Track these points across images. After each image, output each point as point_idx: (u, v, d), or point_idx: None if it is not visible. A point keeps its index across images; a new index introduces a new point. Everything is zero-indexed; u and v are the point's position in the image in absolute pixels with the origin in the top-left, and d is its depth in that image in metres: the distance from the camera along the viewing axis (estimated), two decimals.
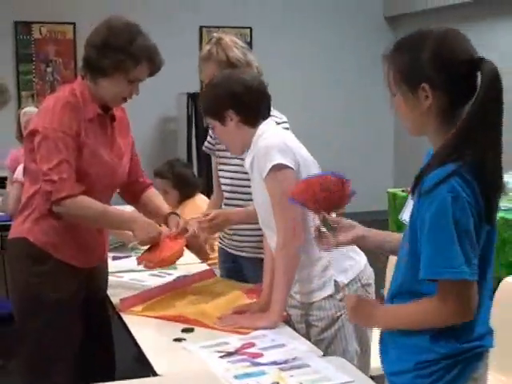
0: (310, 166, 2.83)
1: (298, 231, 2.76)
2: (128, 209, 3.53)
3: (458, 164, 1.94)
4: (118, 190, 3.35)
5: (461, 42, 2.03)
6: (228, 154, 3.39)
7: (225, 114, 2.86)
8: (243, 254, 3.53)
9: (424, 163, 2.07)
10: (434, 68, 1.99)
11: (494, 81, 1.96)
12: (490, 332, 2.13)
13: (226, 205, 3.56)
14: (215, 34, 3.50)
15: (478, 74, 1.98)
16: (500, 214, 5.23)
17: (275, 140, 2.79)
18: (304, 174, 2.75)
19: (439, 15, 9.39)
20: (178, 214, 3.33)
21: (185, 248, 3.22)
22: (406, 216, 2.14)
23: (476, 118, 1.95)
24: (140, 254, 3.23)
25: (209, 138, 3.65)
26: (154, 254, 3.12)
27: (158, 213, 3.32)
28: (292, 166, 2.75)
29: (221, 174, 3.57)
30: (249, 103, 2.86)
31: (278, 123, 3.23)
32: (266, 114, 2.92)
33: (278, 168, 2.73)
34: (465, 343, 2.05)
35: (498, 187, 2.01)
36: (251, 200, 3.08)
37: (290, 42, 10.05)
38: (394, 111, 2.12)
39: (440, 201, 1.92)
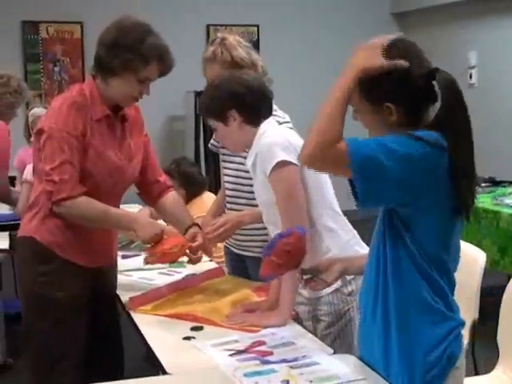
0: None
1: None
2: (133, 209, 3.52)
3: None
4: (137, 191, 3.36)
5: (418, 53, 2.08)
6: (230, 153, 3.43)
7: (227, 114, 2.88)
8: (248, 254, 3.53)
9: None
10: (393, 86, 2.03)
11: (451, 87, 2.04)
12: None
13: (228, 203, 3.56)
14: (219, 35, 3.50)
15: (435, 82, 2.04)
16: (509, 211, 5.22)
17: (278, 137, 2.81)
18: (309, 171, 2.76)
19: (448, 11, 9.36)
20: (199, 226, 3.31)
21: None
22: None
23: (441, 121, 2.03)
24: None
25: (214, 136, 3.65)
26: (155, 248, 3.12)
27: (177, 225, 3.32)
28: (296, 162, 2.74)
29: (224, 171, 3.58)
30: (251, 103, 2.88)
31: (281, 123, 3.23)
32: (267, 114, 2.95)
33: (282, 164, 2.74)
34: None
35: (469, 174, 2.06)
36: (254, 199, 3.09)
37: (297, 40, 10.04)
38: (356, 119, 2.16)
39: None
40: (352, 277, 2.82)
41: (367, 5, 10.32)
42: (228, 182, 3.55)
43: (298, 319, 2.90)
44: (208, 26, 9.71)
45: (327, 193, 2.91)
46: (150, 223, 3.13)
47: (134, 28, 2.98)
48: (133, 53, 2.92)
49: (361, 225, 3.12)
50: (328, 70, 10.14)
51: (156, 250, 3.11)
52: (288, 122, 3.35)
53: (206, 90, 3.00)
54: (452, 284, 2.16)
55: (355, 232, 2.94)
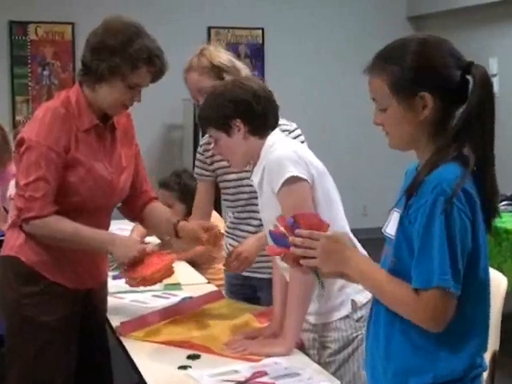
0: (325, 179, 2.84)
1: None
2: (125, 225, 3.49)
3: (455, 166, 2.03)
4: (119, 205, 3.33)
5: (450, 47, 2.13)
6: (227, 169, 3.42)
7: (231, 123, 2.84)
8: (258, 276, 3.50)
9: (406, 182, 2.15)
10: (430, 75, 2.08)
11: (487, 83, 2.08)
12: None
13: (236, 217, 3.55)
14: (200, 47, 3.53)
15: (469, 78, 2.08)
16: None
17: (287, 151, 2.78)
18: (319, 188, 2.76)
19: (467, 15, 9.38)
20: (187, 220, 3.30)
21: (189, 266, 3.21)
22: (389, 229, 2.17)
23: (473, 119, 2.06)
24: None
25: (198, 163, 3.61)
26: (135, 270, 3.05)
27: (163, 223, 3.29)
28: (307, 178, 2.74)
29: (224, 185, 3.56)
30: (257, 112, 2.85)
31: (290, 131, 3.22)
32: (274, 124, 2.92)
33: (292, 181, 2.72)
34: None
35: (495, 191, 2.11)
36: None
37: (305, 44, 10.05)
38: (377, 124, 2.18)
39: (431, 209, 1.98)
40: (363, 302, 2.81)
41: (382, 8, 10.34)
42: (229, 193, 3.55)
43: (302, 347, 2.89)
44: (209, 29, 9.73)
45: (338, 212, 2.90)
46: (126, 245, 3.07)
47: (121, 29, 2.96)
48: (119, 56, 2.91)
49: (365, 243, 3.10)
50: (338, 76, 10.28)
51: (135, 275, 3.05)
52: (297, 129, 3.35)
53: (206, 98, 2.96)
54: None
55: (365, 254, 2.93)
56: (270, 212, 2.81)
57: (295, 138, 3.27)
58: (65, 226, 2.96)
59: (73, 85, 3.10)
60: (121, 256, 3.04)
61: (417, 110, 2.09)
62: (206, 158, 3.56)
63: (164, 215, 3.34)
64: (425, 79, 2.08)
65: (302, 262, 2.18)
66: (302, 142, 3.27)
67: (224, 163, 3.44)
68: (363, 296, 2.80)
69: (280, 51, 9.66)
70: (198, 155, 3.63)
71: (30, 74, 9.20)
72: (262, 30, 9.94)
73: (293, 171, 2.71)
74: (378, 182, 9.99)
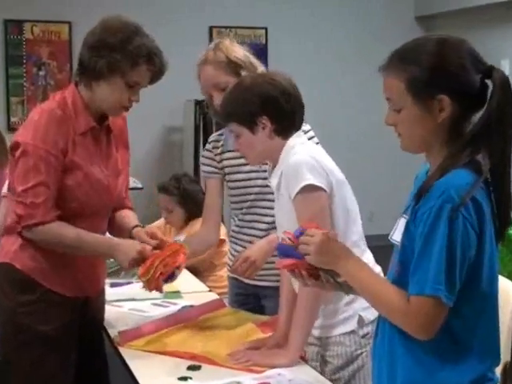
0: (343, 189, 2.82)
1: None
2: None
3: (467, 172, 2.03)
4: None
5: (470, 48, 2.13)
6: (238, 162, 3.40)
7: (257, 120, 2.80)
8: (264, 284, 3.47)
9: (416, 188, 2.14)
10: (450, 78, 2.07)
11: (507, 88, 2.08)
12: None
13: (241, 220, 3.54)
14: (215, 40, 3.51)
15: (488, 82, 2.09)
16: None
17: (306, 157, 2.74)
18: (337, 197, 2.75)
19: (477, 15, 9.37)
20: (142, 226, 3.26)
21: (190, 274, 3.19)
22: (396, 236, 2.17)
23: (492, 123, 2.06)
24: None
25: (206, 160, 3.56)
26: (145, 273, 2.98)
27: (123, 226, 3.25)
28: (324, 186, 2.71)
29: (231, 185, 3.53)
30: (286, 110, 2.81)
31: (306, 132, 3.20)
32: (299, 125, 2.89)
33: (309, 189, 2.69)
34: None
35: (509, 198, 2.11)
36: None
37: (309, 44, 10.04)
38: (389, 124, 2.17)
39: (436, 215, 1.99)
40: (370, 319, 2.79)
41: (389, 7, 10.32)
42: (237, 194, 3.52)
43: (305, 359, 2.87)
44: (211, 28, 9.72)
45: (353, 224, 2.86)
46: (127, 245, 3.04)
47: (121, 28, 2.97)
48: (119, 53, 2.91)
49: (372, 250, 3.08)
50: (344, 77, 10.27)
51: (148, 279, 2.99)
52: (310, 130, 3.33)
53: (232, 90, 2.93)
54: None
55: (380, 268, 2.90)
56: (284, 216, 2.82)
57: (309, 139, 3.25)
58: (67, 232, 2.96)
59: (68, 87, 3.09)
60: (124, 260, 3.02)
61: (433, 112, 2.08)
62: (215, 155, 3.53)
63: (132, 222, 3.29)
64: (444, 82, 2.07)
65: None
66: (317, 144, 3.24)
67: (233, 162, 3.44)
68: (370, 313, 2.77)
69: (284, 51, 9.64)
70: (205, 152, 3.58)
71: (25, 75, 9.19)
72: (266, 29, 9.93)
73: (310, 179, 2.68)
74: (386, 186, 9.98)
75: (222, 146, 3.50)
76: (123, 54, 2.91)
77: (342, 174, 2.85)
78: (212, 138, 3.58)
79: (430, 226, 1.99)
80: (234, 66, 3.31)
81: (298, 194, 2.69)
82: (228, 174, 3.51)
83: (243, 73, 3.29)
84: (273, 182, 2.85)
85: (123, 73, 2.94)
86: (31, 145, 2.90)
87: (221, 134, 3.52)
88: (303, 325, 2.74)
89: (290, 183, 2.72)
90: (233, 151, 3.37)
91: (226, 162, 3.50)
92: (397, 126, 2.15)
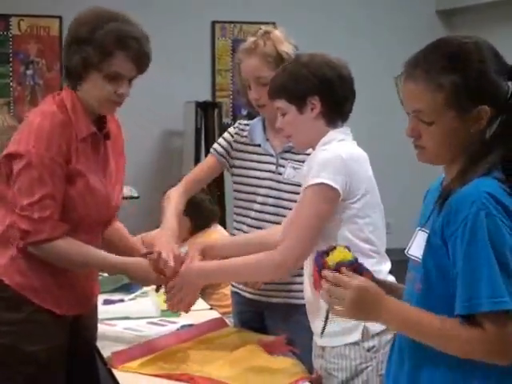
0: (371, 200, 2.89)
1: (302, 257, 2.83)
2: None
3: (492, 178, 2.05)
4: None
5: (495, 51, 2.15)
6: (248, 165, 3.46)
7: (308, 99, 2.91)
8: (270, 300, 3.47)
9: (429, 201, 2.18)
10: (492, 86, 2.09)
11: None
12: None
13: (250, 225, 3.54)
14: (263, 27, 3.50)
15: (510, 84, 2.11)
16: None
17: (335, 156, 2.82)
18: (360, 205, 2.82)
19: (502, 9, 9.38)
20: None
21: None
22: (414, 251, 2.17)
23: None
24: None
25: (223, 142, 3.58)
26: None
27: (127, 246, 3.33)
28: (340, 189, 2.77)
29: (238, 186, 3.56)
30: (339, 94, 2.93)
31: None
32: (347, 114, 3.00)
33: (323, 188, 2.77)
34: None
35: None
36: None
37: (322, 41, 10.02)
38: (412, 136, 2.17)
39: (473, 224, 1.99)
40: (376, 331, 2.82)
41: (409, 1, 10.32)
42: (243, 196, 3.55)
43: (319, 380, 2.90)
44: (213, 23, 9.71)
45: (376, 236, 2.92)
46: (140, 268, 3.11)
47: (92, 17, 2.97)
48: (89, 44, 2.91)
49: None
50: (364, 72, 10.13)
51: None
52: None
53: (287, 65, 3.03)
54: None
55: (393, 278, 2.93)
56: None
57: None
58: (76, 249, 2.99)
59: (59, 85, 3.11)
60: (143, 279, 3.14)
61: (469, 123, 2.09)
62: (233, 147, 3.57)
63: (131, 239, 3.39)
64: (487, 90, 2.08)
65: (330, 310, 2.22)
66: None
67: (245, 164, 3.50)
68: (376, 325, 2.77)
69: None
70: (226, 135, 3.61)
71: (11, 74, 9.19)
72: (274, 24, 9.90)
73: (325, 178, 2.76)
74: (404, 196, 9.97)
75: (245, 137, 3.54)
76: (92, 46, 2.91)
77: (374, 183, 2.92)
78: (240, 123, 3.62)
79: (469, 238, 1.99)
80: (279, 62, 3.32)
81: (309, 186, 2.79)
82: (237, 167, 3.56)
83: None
84: (304, 169, 2.96)
85: (97, 66, 2.92)
86: (34, 154, 2.87)
87: (247, 124, 3.57)
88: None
89: (310, 173, 2.81)
90: (246, 152, 3.48)
91: (237, 160, 3.55)
92: (421, 138, 2.15)
